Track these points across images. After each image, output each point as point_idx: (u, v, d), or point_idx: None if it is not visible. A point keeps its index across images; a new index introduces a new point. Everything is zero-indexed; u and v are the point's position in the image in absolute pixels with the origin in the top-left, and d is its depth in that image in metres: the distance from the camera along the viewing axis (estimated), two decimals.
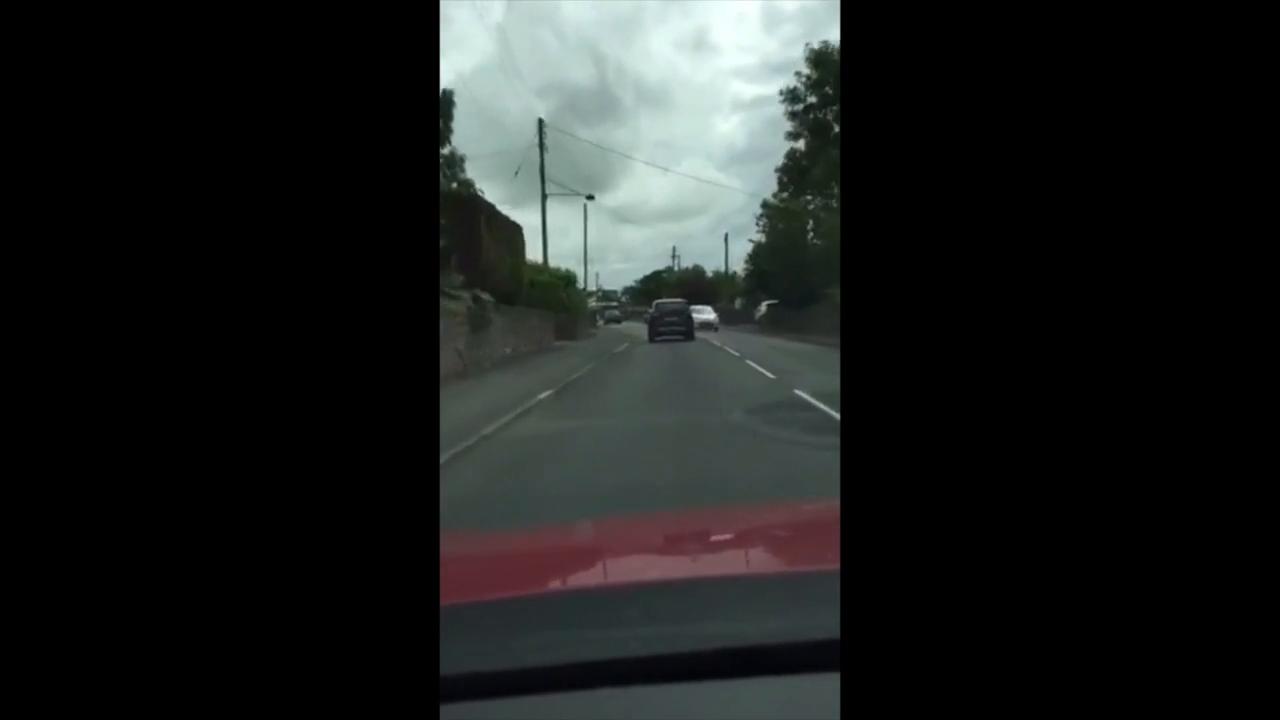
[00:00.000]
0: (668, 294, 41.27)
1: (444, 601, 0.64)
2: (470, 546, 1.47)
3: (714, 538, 1.47)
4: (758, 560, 1.31)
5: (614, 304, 66.90)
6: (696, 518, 1.98)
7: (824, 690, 0.60)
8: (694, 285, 56.55)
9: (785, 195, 34.23)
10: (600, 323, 42.49)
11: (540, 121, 28.52)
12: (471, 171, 22.69)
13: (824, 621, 0.64)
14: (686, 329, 26.06)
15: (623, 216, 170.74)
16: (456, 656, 0.66)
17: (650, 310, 30.11)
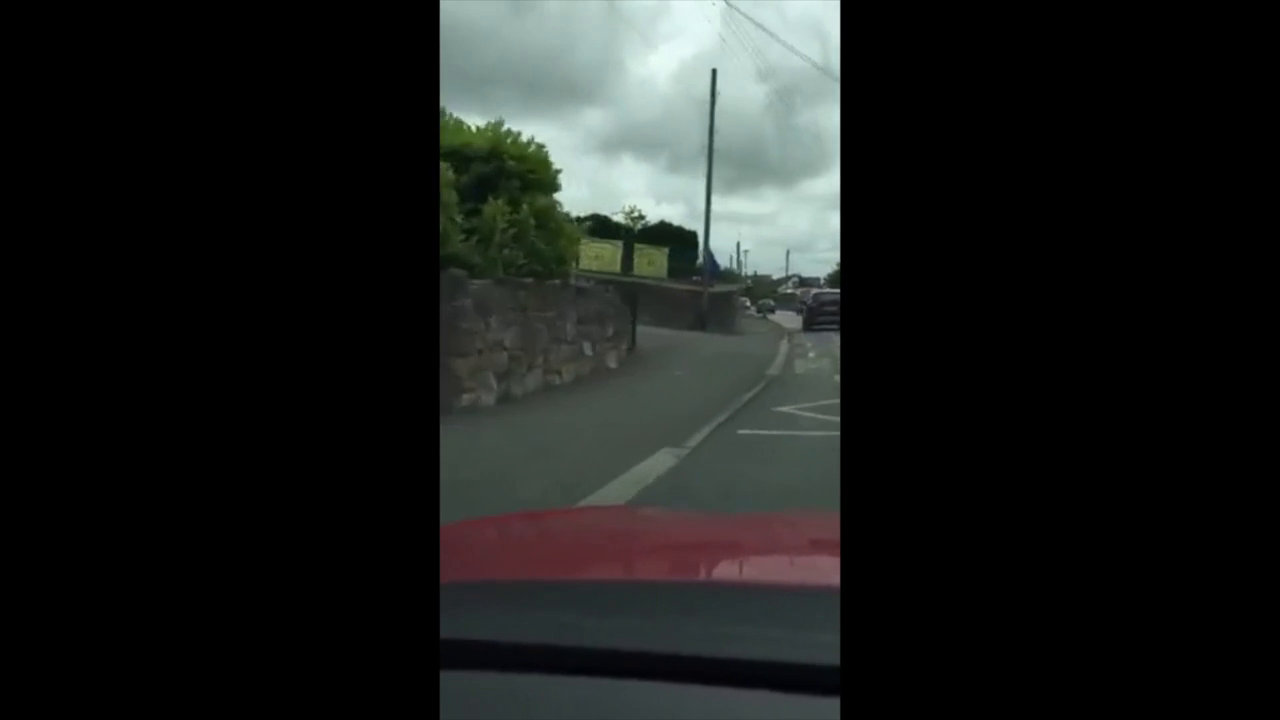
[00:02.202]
0: None
1: (455, 579, 0.70)
2: (484, 533, 1.49)
3: (746, 544, 1.41)
4: (781, 571, 1.28)
5: (819, 289, 53.54)
6: (728, 522, 2.01)
7: (825, 712, 0.60)
8: None
9: None
10: (752, 312, 36.39)
11: None
12: None
13: (833, 641, 0.63)
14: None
15: (834, 203, 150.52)
16: (461, 626, 0.68)
17: (808, 301, 30.84)
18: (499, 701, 0.68)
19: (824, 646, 0.64)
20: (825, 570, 1.10)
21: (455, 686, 0.64)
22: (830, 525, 1.61)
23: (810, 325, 26.55)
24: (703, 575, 1.21)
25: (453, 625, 0.64)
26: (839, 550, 1.18)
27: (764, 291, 52.12)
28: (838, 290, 30.64)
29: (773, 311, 41.85)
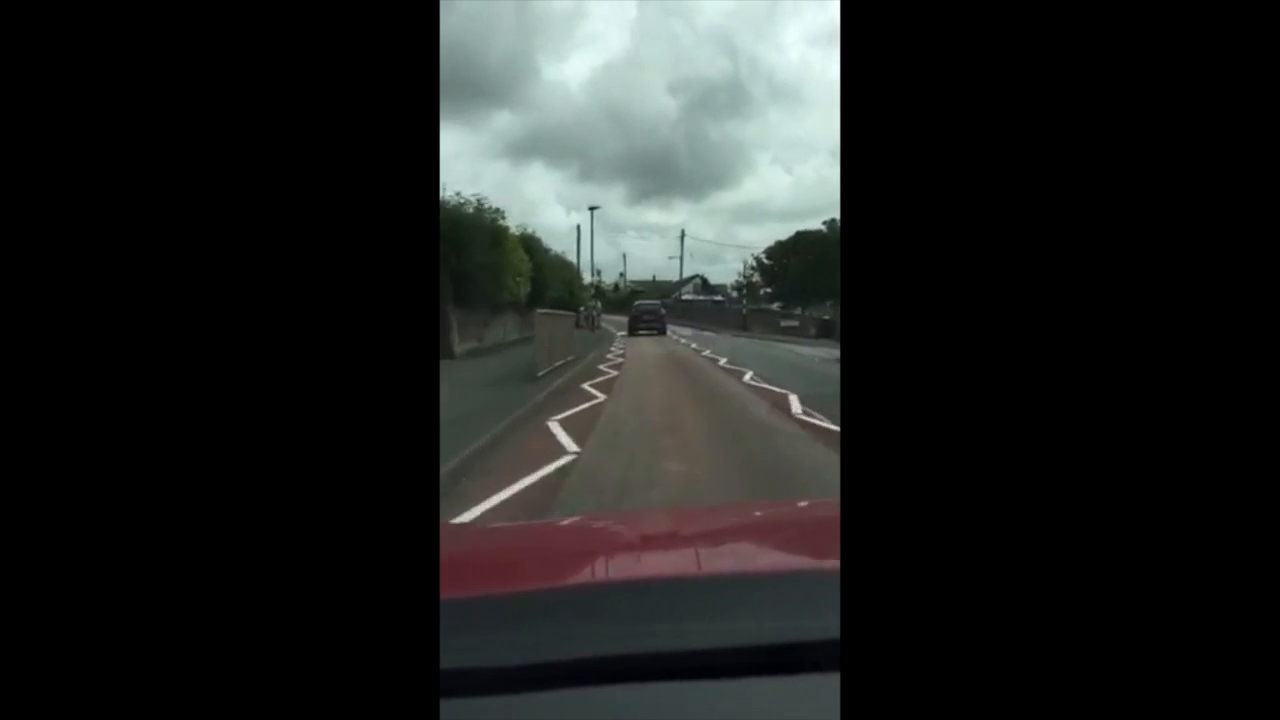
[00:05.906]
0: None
1: (450, 595, 0.67)
2: (476, 541, 1.52)
3: (719, 535, 1.45)
4: (763, 558, 1.30)
5: (640, 301, 53.16)
6: (704, 514, 2.08)
7: (825, 689, 0.61)
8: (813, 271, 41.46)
9: None
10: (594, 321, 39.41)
11: None
12: None
13: (826, 621, 0.64)
14: (660, 326, 33.58)
15: (742, 216, 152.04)
16: (459, 651, 0.67)
17: (631, 311, 36.07)
18: None
19: (821, 627, 0.64)
20: (816, 554, 1.10)
21: (458, 714, 0.62)
22: (805, 511, 1.61)
23: (634, 331, 33.01)
24: (686, 571, 1.17)
25: (450, 649, 0.62)
26: (813, 534, 1.16)
27: (661, 293, 53.20)
28: (653, 301, 39.36)
29: (599, 316, 42.78)
